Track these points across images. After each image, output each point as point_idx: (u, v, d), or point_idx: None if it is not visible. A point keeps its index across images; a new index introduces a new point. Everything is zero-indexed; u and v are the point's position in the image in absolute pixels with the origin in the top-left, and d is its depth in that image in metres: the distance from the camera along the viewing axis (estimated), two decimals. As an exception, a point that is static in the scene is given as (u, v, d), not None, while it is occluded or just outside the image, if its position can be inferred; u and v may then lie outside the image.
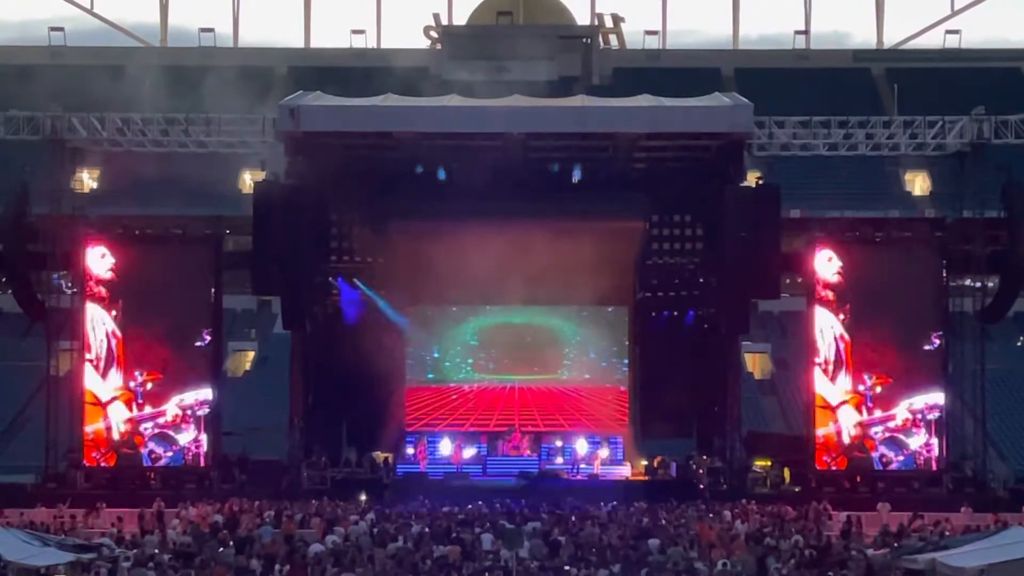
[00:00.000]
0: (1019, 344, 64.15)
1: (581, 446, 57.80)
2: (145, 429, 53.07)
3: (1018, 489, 50.44)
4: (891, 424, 52.66)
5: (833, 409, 52.82)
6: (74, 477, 52.91)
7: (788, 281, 57.69)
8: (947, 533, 40.41)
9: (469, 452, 57.71)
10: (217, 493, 49.79)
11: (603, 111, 55.46)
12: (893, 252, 53.82)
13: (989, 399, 54.35)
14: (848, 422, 52.65)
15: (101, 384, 53.22)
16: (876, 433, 52.56)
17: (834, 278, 52.95)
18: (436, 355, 60.72)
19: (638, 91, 57.81)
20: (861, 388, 52.72)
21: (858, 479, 52.62)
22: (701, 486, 52.85)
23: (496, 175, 53.80)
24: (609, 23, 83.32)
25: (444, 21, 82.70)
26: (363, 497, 49.98)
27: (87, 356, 53.39)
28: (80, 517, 44.12)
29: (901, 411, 52.69)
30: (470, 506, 45.15)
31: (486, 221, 55.07)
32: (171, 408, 53.06)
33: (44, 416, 54.13)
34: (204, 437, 53.07)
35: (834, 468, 52.70)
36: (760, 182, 56.39)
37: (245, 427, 55.23)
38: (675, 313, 59.12)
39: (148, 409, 53.13)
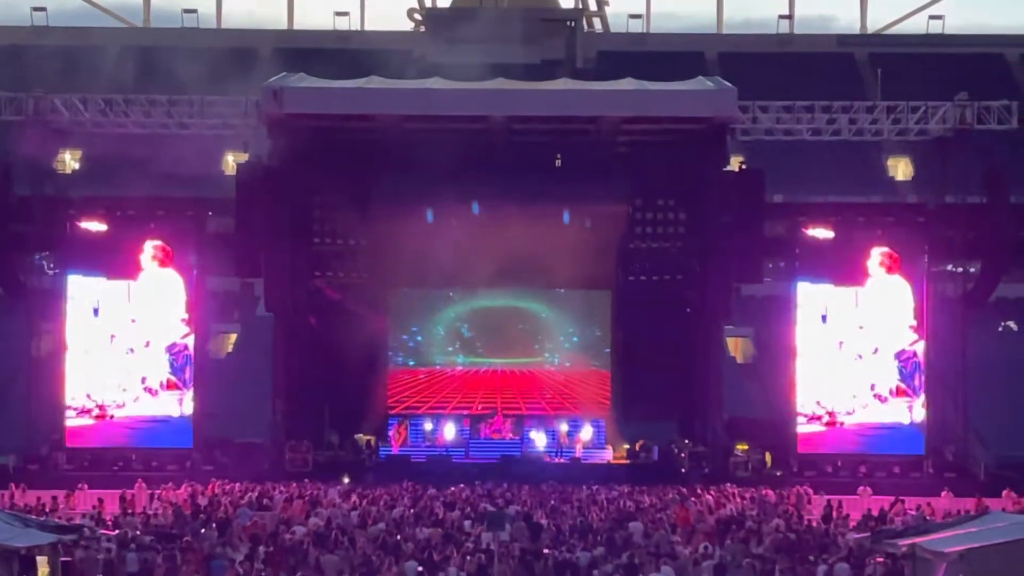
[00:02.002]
0: (1000, 330, 64.30)
1: (563, 429, 57.90)
2: (132, 412, 53.13)
3: (998, 474, 50.56)
4: (881, 407, 53.00)
5: (816, 395, 53.25)
6: (56, 458, 52.80)
7: (771, 265, 57.74)
8: (928, 517, 40.56)
9: (450, 434, 57.78)
10: (199, 475, 49.75)
11: (586, 95, 55.53)
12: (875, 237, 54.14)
13: (970, 384, 54.52)
14: (833, 407, 52.98)
15: (86, 367, 53.22)
16: (864, 418, 52.90)
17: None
18: (419, 338, 60.71)
19: (622, 75, 57.78)
20: (849, 373, 53.01)
21: (839, 463, 52.80)
22: (683, 470, 52.94)
23: (479, 158, 53.88)
24: (593, 6, 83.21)
25: (428, 3, 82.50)
26: (346, 479, 50.04)
27: (72, 336, 53.39)
28: (61, 498, 44.12)
29: (890, 394, 53.07)
30: (452, 489, 45.20)
31: (469, 204, 55.04)
32: (158, 389, 53.15)
33: (25, 397, 54.11)
34: (190, 419, 53.14)
35: (818, 452, 53.01)
36: (743, 166, 56.48)
37: (227, 409, 55.11)
38: (658, 297, 59.16)
39: (135, 391, 53.18)
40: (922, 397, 53.25)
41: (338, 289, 58.60)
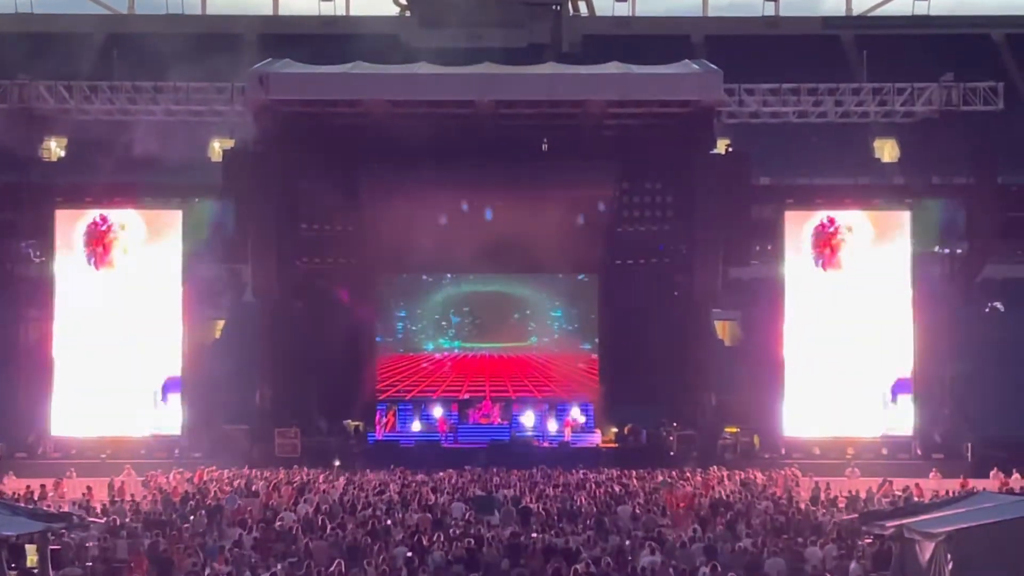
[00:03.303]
0: (987, 310, 64.41)
1: (552, 414, 57.93)
2: (121, 399, 53.11)
3: (986, 454, 50.69)
4: (869, 389, 53.15)
5: (805, 376, 53.40)
6: (43, 446, 52.71)
7: (758, 248, 57.80)
8: (916, 498, 40.66)
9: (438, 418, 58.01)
10: (187, 462, 49.70)
11: (572, 78, 55.46)
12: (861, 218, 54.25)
13: (957, 365, 54.63)
14: (825, 390, 53.16)
15: (75, 354, 53.16)
16: (853, 399, 53.05)
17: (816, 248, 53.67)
18: (407, 324, 60.71)
19: (608, 58, 57.74)
20: (837, 356, 53.17)
21: (827, 445, 52.87)
22: (671, 453, 52.99)
23: (466, 143, 53.87)
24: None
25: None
26: (336, 463, 50.04)
27: (59, 324, 53.31)
28: (49, 486, 44.07)
29: (880, 379, 53.21)
30: (441, 474, 45.20)
31: (456, 189, 55.01)
32: (151, 381, 53.17)
33: (13, 385, 54.04)
34: (180, 407, 53.07)
35: (806, 434, 53.13)
36: (730, 149, 56.52)
37: (215, 396, 55.03)
38: (645, 280, 59.23)
39: (128, 382, 53.14)
40: (910, 378, 53.37)
41: (325, 275, 58.61)
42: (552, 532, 32.14)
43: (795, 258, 53.92)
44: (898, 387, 53.41)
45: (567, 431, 56.84)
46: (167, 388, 53.23)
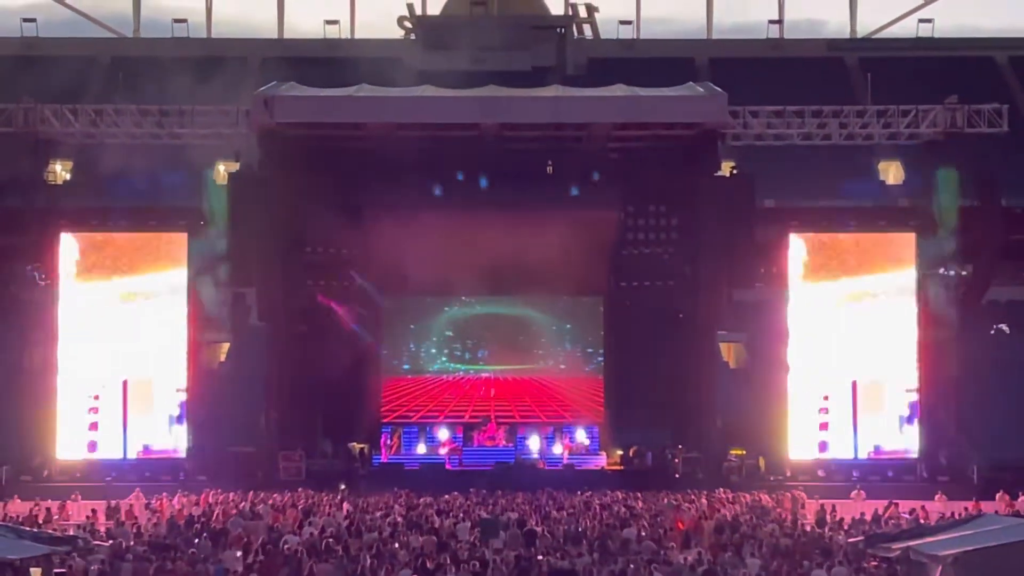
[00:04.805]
0: (992, 332, 64.36)
1: (557, 436, 57.87)
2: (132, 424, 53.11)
3: (992, 476, 50.61)
4: (874, 410, 53.11)
5: (810, 398, 53.35)
6: (48, 470, 52.67)
7: (763, 270, 57.79)
8: (922, 521, 40.59)
9: (444, 438, 57.98)
10: (192, 485, 49.65)
11: (577, 101, 55.54)
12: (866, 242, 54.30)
13: (962, 387, 54.55)
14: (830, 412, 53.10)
15: (80, 377, 53.16)
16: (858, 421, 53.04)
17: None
18: (412, 346, 60.64)
19: (612, 81, 57.83)
20: (842, 378, 53.12)
21: (832, 467, 52.79)
22: (677, 475, 52.92)
23: (471, 166, 53.89)
24: (583, 13, 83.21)
25: (418, 11, 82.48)
26: (342, 486, 49.95)
27: (64, 347, 53.30)
28: (54, 509, 44.05)
29: (885, 401, 53.21)
30: (446, 496, 45.13)
31: (461, 211, 55.05)
32: (156, 404, 53.13)
33: (18, 408, 54.04)
34: (185, 430, 53.06)
35: (811, 457, 53.07)
36: (734, 172, 56.54)
37: (220, 419, 55.04)
38: (650, 303, 59.16)
39: (133, 405, 53.12)
40: (915, 400, 53.31)
41: (330, 298, 58.59)
42: (557, 555, 32.10)
43: (799, 280, 53.92)
44: (904, 410, 53.41)
45: (565, 453, 56.79)
46: (172, 411, 53.27)
